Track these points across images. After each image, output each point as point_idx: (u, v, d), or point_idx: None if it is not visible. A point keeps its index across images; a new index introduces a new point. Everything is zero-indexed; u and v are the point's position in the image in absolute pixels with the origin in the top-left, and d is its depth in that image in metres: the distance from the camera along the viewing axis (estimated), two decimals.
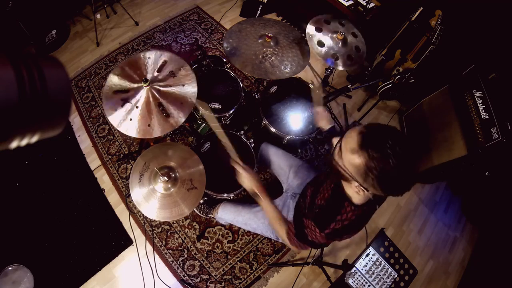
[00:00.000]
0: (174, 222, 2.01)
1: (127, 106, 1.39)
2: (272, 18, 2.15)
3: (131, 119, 1.36)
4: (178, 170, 1.41)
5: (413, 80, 2.26)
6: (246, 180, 1.23)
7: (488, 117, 1.83)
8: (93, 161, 2.20)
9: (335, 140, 0.94)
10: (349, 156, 0.85)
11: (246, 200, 2.04)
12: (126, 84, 1.44)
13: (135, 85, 1.43)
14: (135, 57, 1.52)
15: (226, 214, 1.67)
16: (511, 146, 1.71)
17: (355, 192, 0.92)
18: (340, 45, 1.74)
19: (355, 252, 2.06)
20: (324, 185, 1.13)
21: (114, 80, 1.44)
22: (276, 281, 1.91)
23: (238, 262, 1.93)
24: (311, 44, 1.69)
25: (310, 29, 1.74)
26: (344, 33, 1.74)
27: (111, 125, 2.31)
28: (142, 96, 1.41)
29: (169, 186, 1.36)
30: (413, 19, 2.17)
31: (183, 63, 1.52)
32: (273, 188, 2.06)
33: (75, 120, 2.36)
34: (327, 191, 1.07)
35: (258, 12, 3.00)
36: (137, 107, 1.39)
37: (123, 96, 1.41)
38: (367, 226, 2.05)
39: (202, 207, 1.88)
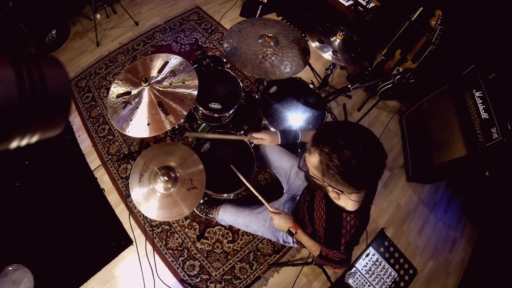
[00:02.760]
0: (174, 222, 2.01)
1: (129, 107, 1.40)
2: (272, 18, 2.15)
3: (131, 120, 1.37)
4: (178, 170, 1.41)
5: (413, 80, 2.25)
6: (282, 222, 1.23)
7: (488, 117, 1.83)
8: (93, 161, 2.20)
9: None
10: (309, 159, 0.85)
11: (247, 201, 2.04)
12: (128, 87, 1.46)
13: (136, 87, 1.45)
14: (135, 64, 1.54)
15: (226, 216, 1.67)
16: (511, 146, 1.71)
17: (334, 198, 0.92)
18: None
19: (355, 252, 2.03)
20: (317, 197, 1.13)
21: (116, 90, 1.47)
22: (276, 281, 1.91)
23: (238, 262, 1.93)
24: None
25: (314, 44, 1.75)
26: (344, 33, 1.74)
27: (111, 125, 2.31)
28: (143, 96, 1.42)
29: (169, 186, 1.36)
30: (413, 19, 2.17)
31: (182, 59, 1.53)
32: (273, 188, 2.06)
33: (75, 120, 2.36)
34: (321, 208, 1.06)
35: (258, 12, 3.00)
36: (137, 108, 1.40)
37: (125, 99, 1.42)
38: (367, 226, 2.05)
39: (202, 207, 1.88)
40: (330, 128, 0.83)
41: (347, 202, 0.95)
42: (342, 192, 0.86)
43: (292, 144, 1.41)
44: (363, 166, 0.77)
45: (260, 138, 1.35)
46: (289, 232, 1.22)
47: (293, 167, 1.59)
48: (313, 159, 0.83)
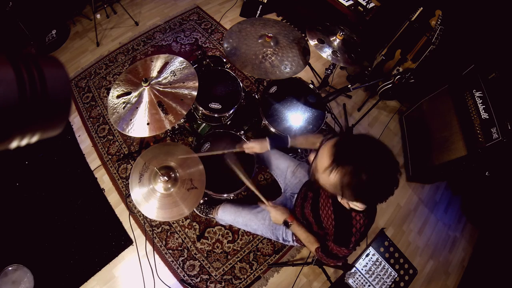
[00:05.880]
0: (174, 222, 2.01)
1: (128, 107, 1.40)
2: (272, 18, 2.15)
3: (131, 119, 1.37)
4: (178, 170, 1.41)
5: (413, 80, 2.26)
6: (278, 215, 1.28)
7: (488, 117, 1.83)
8: (93, 161, 2.20)
9: (311, 157, 0.94)
10: (324, 176, 0.85)
11: (246, 200, 2.04)
12: (128, 87, 1.46)
13: (136, 87, 1.45)
14: (135, 65, 1.54)
15: (226, 215, 1.67)
16: (511, 146, 1.71)
17: (344, 203, 0.93)
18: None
19: (355, 252, 2.05)
20: (322, 195, 1.14)
21: (116, 90, 1.47)
22: (276, 281, 1.91)
23: (238, 262, 1.93)
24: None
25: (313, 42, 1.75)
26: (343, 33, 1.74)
27: (111, 125, 2.31)
28: (143, 96, 1.42)
29: (169, 186, 1.36)
30: (413, 19, 2.17)
31: (182, 60, 1.54)
32: (273, 188, 2.06)
33: (75, 120, 2.36)
34: (328, 206, 1.08)
35: (258, 12, 3.00)
36: (137, 108, 1.40)
37: (125, 99, 1.42)
38: None
39: (202, 207, 1.88)
40: (348, 147, 0.82)
41: (356, 202, 0.97)
42: (352, 201, 0.89)
43: (283, 148, 1.45)
44: (380, 187, 0.81)
45: (250, 147, 1.41)
46: (285, 223, 1.26)
47: (289, 167, 1.61)
48: (330, 178, 0.83)
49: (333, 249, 1.08)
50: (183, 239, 1.96)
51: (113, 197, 2.07)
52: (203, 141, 1.72)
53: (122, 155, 2.21)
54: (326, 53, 1.74)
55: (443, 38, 2.08)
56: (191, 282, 1.85)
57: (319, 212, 1.13)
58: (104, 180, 2.13)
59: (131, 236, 1.95)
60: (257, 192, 1.30)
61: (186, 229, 1.99)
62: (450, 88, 2.18)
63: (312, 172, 0.93)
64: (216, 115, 1.75)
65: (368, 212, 0.99)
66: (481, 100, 1.90)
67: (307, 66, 1.99)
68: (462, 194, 2.47)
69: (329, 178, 0.83)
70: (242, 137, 1.73)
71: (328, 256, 1.13)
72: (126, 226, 1.97)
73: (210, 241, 1.97)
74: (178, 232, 1.98)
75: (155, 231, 1.97)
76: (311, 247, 1.21)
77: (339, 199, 0.92)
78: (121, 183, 2.12)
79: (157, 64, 1.54)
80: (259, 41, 1.69)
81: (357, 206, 0.95)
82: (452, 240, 2.28)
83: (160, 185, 1.36)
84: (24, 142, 0.38)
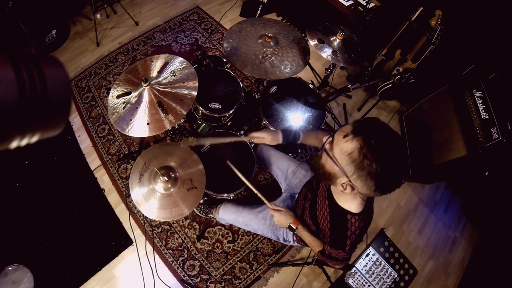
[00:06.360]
0: (174, 222, 2.01)
1: (128, 107, 1.40)
2: (272, 18, 2.15)
3: (131, 119, 1.37)
4: (178, 170, 1.41)
5: (413, 80, 2.26)
6: (283, 218, 1.23)
7: (488, 117, 1.83)
8: (93, 161, 2.20)
9: (324, 139, 0.92)
10: (342, 143, 0.82)
11: (247, 200, 2.04)
12: (128, 87, 1.46)
13: (136, 87, 1.45)
14: (135, 65, 1.54)
15: (226, 215, 1.67)
16: (511, 146, 1.71)
17: (341, 191, 0.88)
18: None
19: (355, 252, 2.05)
20: (319, 196, 1.13)
21: (116, 90, 1.47)
22: (276, 281, 1.91)
23: (238, 262, 1.93)
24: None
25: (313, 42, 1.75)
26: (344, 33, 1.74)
27: (111, 125, 2.31)
28: (143, 96, 1.42)
29: (169, 186, 1.36)
30: (413, 19, 2.17)
31: (182, 60, 1.54)
32: (273, 188, 2.06)
33: (75, 120, 2.36)
34: (325, 208, 1.07)
35: (258, 12, 3.00)
36: (137, 108, 1.40)
37: (125, 99, 1.42)
38: None
39: (202, 207, 1.88)
40: (378, 126, 0.81)
41: (352, 203, 0.96)
42: (355, 186, 0.83)
43: (292, 144, 1.41)
44: (396, 174, 0.78)
45: (261, 137, 1.33)
46: (290, 228, 1.23)
47: (289, 167, 1.61)
48: (348, 145, 0.80)
49: (331, 253, 1.08)
50: (183, 239, 1.96)
51: (113, 197, 2.07)
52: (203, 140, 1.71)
53: (122, 155, 2.21)
54: (326, 53, 1.74)
55: (443, 38, 2.08)
56: (191, 282, 1.85)
57: (316, 213, 1.13)
58: (104, 180, 2.13)
59: (131, 236, 1.95)
60: (260, 195, 1.27)
61: (186, 229, 1.99)
62: (450, 88, 2.18)
63: (323, 148, 0.90)
64: (216, 115, 1.75)
65: (364, 215, 0.98)
66: (481, 100, 1.90)
67: (307, 66, 1.99)
68: (462, 194, 2.47)
69: (347, 146, 0.80)
70: (242, 137, 1.73)
71: (329, 258, 1.13)
72: (126, 226, 1.97)
73: (210, 241, 1.97)
74: (178, 232, 1.98)
75: (155, 231, 1.97)
76: (316, 250, 1.20)
77: (338, 184, 0.88)
78: (121, 183, 2.12)
79: (157, 64, 1.54)
80: (259, 41, 1.69)
81: (359, 197, 0.93)
82: (452, 240, 2.28)
83: (160, 185, 1.36)
84: (24, 142, 0.38)
